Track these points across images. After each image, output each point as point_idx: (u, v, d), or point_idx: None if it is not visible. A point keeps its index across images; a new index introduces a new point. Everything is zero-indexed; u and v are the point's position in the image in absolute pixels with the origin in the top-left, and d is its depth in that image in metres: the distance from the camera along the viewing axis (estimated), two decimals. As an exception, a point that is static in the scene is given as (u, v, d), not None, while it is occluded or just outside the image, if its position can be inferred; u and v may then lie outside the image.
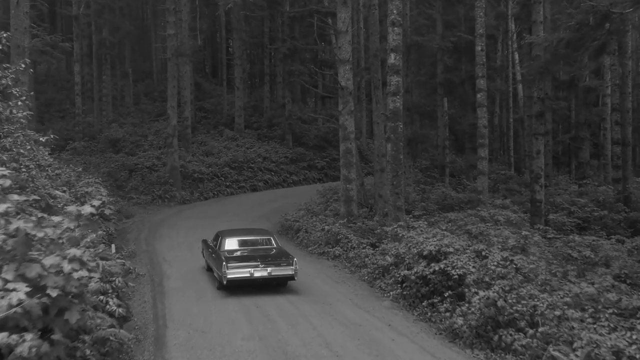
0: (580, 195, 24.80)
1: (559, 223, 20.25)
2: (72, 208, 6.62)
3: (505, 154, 38.95)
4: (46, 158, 15.44)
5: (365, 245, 16.53)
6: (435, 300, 11.30)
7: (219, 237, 13.48)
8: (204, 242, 14.87)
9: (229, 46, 40.86)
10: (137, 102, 40.82)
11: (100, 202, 14.58)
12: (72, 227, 6.44)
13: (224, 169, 32.25)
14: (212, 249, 13.44)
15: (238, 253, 12.58)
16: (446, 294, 11.17)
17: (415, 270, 11.87)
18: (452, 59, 34.12)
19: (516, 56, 39.09)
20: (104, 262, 10.48)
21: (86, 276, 6.24)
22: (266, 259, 12.18)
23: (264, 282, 11.99)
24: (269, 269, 11.85)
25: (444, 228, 13.46)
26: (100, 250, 10.01)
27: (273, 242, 13.47)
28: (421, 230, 14.10)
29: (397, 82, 16.77)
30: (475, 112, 35.57)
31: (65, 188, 15.28)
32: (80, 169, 20.18)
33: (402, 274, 12.13)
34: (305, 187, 35.09)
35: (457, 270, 11.29)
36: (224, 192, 31.35)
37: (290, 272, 12.07)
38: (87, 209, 6.88)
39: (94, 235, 11.73)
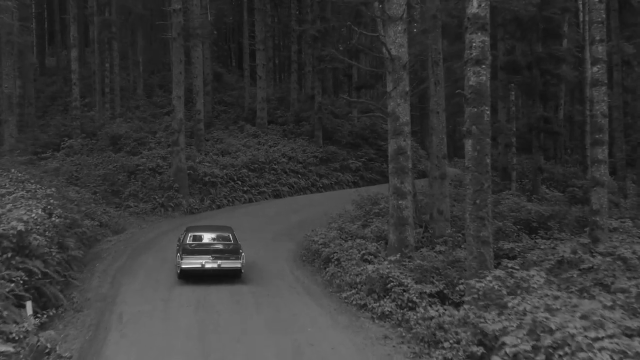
0: None
1: None
2: None
3: (576, 153, 31.66)
4: None
5: (432, 301, 10.09)
6: None
7: (185, 231, 13.93)
8: (178, 238, 14.54)
9: (252, 32, 34.68)
10: (150, 95, 35.05)
11: None
12: None
13: (241, 171, 26.13)
14: (178, 243, 13.79)
15: (195, 246, 12.99)
16: None
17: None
18: (512, 39, 27.35)
19: (586, 36, 31.47)
20: None
21: None
22: (218, 253, 12.75)
23: (214, 273, 12.53)
24: (218, 262, 12.48)
25: (608, 305, 6.89)
26: None
27: (231, 238, 13.54)
28: (546, 295, 7.52)
29: (483, 44, 10.22)
30: (544, 103, 28.73)
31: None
32: (27, 176, 14.22)
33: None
34: (338, 192, 28.65)
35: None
36: (240, 199, 25.20)
37: (238, 266, 12.64)
38: None
39: None
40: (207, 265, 12.34)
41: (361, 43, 31.09)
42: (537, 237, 15.66)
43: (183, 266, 12.28)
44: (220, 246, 13.15)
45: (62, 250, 12.92)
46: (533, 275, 8.32)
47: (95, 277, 13.37)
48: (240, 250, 12.94)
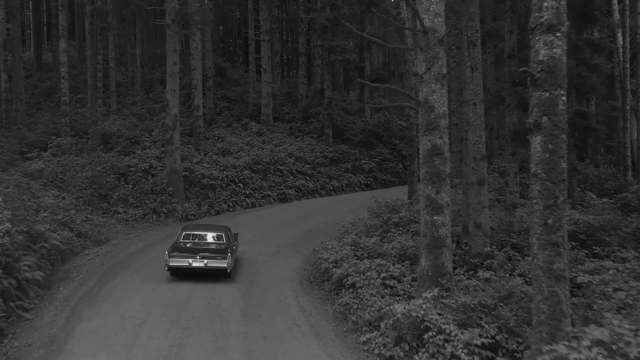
0: None
1: None
2: None
3: (609, 152, 28.42)
4: None
5: (486, 357, 7.16)
6: None
7: (181, 230, 13.90)
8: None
9: (258, 22, 31.78)
10: (149, 91, 32.28)
11: None
12: None
13: (243, 173, 23.28)
14: (174, 240, 14.04)
15: (187, 245, 13.03)
16: None
17: None
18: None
19: (627, 21, 27.91)
20: None
21: None
22: (206, 252, 12.63)
23: (201, 272, 12.49)
24: (205, 261, 12.37)
25: None
26: None
27: (224, 238, 13.44)
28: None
29: (558, 4, 7.16)
30: (581, 97, 25.54)
31: None
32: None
33: None
34: (350, 195, 25.72)
35: None
36: (242, 204, 22.32)
37: (224, 266, 12.38)
38: None
39: None
40: (194, 264, 12.31)
41: (374, 33, 28.02)
42: (591, 254, 12.72)
43: (171, 264, 12.31)
44: (211, 246, 13.09)
45: (9, 275, 10.16)
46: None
47: (53, 307, 10.52)
48: (229, 251, 12.76)
